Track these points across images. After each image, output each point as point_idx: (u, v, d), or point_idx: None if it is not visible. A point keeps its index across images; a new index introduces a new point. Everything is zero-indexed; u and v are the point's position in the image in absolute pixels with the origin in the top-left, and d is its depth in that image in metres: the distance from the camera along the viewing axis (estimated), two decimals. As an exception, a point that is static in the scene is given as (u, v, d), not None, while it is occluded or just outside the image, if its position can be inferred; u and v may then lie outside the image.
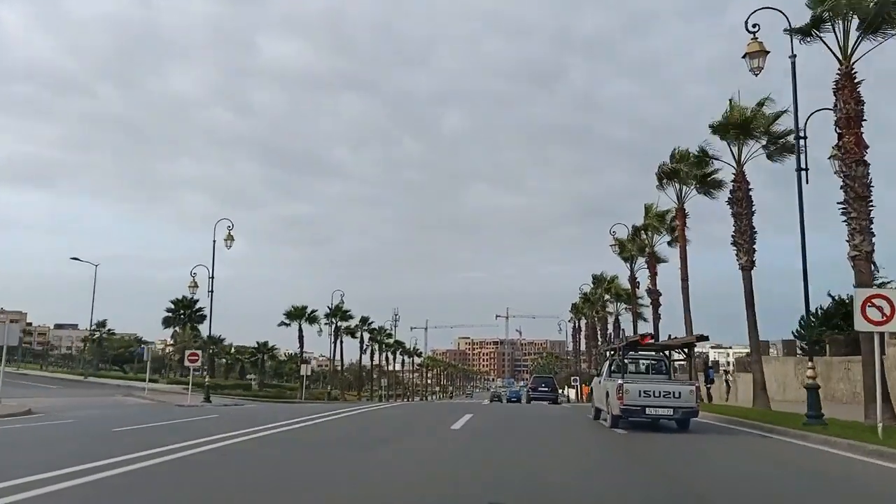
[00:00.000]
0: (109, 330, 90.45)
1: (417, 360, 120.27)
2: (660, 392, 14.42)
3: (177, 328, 63.00)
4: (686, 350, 17.01)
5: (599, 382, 17.91)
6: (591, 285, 54.56)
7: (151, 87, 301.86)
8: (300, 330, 53.54)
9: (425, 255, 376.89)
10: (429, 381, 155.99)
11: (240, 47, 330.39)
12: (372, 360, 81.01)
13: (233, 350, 64.49)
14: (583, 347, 72.60)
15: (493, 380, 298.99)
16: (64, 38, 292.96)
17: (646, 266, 38.19)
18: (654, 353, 17.61)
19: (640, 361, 17.18)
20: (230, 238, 35.63)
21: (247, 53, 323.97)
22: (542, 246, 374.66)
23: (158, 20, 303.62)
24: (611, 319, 51.63)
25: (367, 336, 76.77)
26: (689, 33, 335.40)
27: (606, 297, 53.04)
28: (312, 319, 53.85)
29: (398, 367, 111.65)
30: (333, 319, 60.39)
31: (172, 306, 63.33)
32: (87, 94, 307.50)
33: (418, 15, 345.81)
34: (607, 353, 20.51)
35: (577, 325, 75.80)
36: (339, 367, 69.02)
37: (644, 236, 34.11)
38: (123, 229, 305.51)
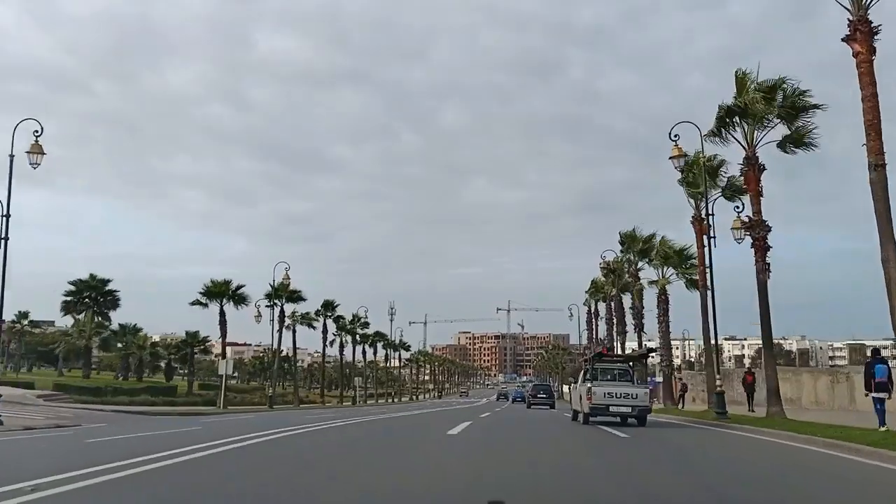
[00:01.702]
0: (32, 321, 76.36)
1: (407, 354, 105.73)
2: (620, 394, 17.64)
3: (79, 315, 48.55)
4: (643, 360, 23.86)
5: (576, 388, 21.37)
6: (620, 251, 39.93)
7: (148, 84, 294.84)
8: (222, 313, 39.11)
9: (425, 250, 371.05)
10: (426, 378, 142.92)
11: (236, 43, 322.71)
12: (342, 353, 66.74)
13: (148, 343, 50.07)
14: (602, 334, 58.19)
15: (495, 375, 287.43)
16: (60, 36, 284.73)
17: (720, 196, 23.75)
18: (620, 362, 20.90)
19: (609, 369, 19.71)
20: (38, 151, 21.14)
21: (243, 49, 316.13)
22: (543, 240, 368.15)
23: (154, 16, 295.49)
24: (651, 292, 37.04)
25: (334, 326, 62.52)
26: (689, 23, 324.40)
27: (643, 262, 38.47)
28: (240, 299, 39.41)
29: (393, 363, 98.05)
30: (277, 301, 45.85)
31: (73, 288, 48.80)
32: (83, 91, 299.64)
33: (415, 7, 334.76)
34: (583, 363, 23.95)
35: (593, 308, 61.36)
36: (289, 363, 54.62)
37: (742, 129, 19.27)
38: (122, 227, 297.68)
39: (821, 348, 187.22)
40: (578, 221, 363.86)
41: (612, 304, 46.61)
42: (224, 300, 38.72)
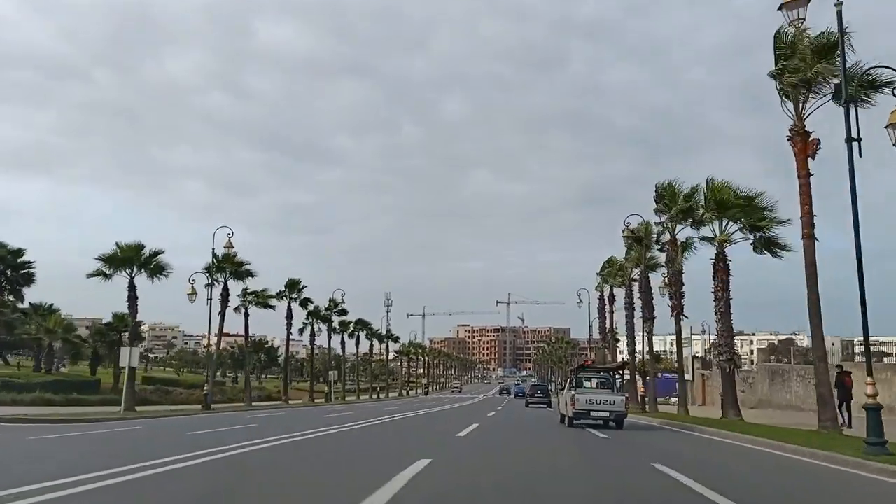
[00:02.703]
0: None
1: (397, 346, 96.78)
2: (600, 400, 19.71)
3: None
4: (621, 371, 25.32)
5: (562, 394, 24.53)
6: (654, 209, 30.55)
7: (148, 73, 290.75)
8: (131, 287, 29.87)
9: (427, 243, 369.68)
10: (423, 371, 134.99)
11: (236, 31, 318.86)
12: (312, 343, 57.61)
13: (60, 326, 40.71)
14: (619, 323, 49.15)
15: (494, 369, 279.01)
16: (59, 23, 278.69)
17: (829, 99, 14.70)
18: (603, 371, 22.83)
19: (593, 378, 21.68)
20: None
21: (244, 38, 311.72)
22: (544, 234, 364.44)
23: (153, 4, 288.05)
24: (698, 262, 27.67)
25: (305, 312, 53.46)
26: (692, 17, 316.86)
27: (682, 226, 29.21)
28: (157, 269, 30.16)
29: (386, 356, 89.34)
30: (221, 276, 36.81)
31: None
32: (83, 80, 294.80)
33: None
34: (569, 373, 26.54)
35: (607, 293, 52.07)
36: (237, 353, 45.52)
37: None
38: (123, 218, 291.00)
39: (832, 344, 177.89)
40: (579, 215, 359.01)
41: (640, 282, 37.35)
42: (134, 270, 29.58)
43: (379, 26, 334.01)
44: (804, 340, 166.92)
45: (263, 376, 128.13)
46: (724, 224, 24.00)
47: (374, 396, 75.86)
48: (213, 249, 35.71)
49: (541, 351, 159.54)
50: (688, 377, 51.96)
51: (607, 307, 52.24)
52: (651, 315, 35.81)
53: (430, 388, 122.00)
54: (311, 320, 54.34)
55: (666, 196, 28.97)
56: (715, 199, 23.24)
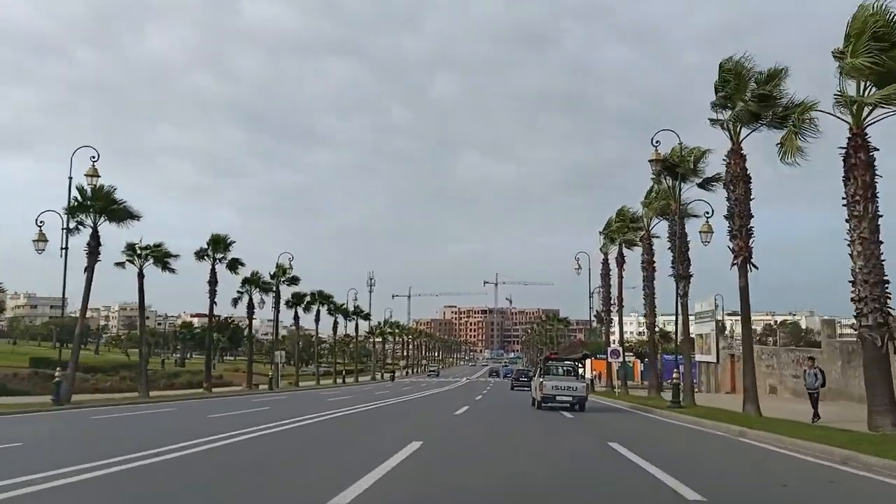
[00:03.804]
0: None
1: (367, 324, 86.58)
2: (564, 387, 22.46)
3: None
4: (582, 361, 26.97)
5: (533, 381, 26.93)
6: (713, 104, 20.16)
7: (131, 51, 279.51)
8: None
9: (416, 225, 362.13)
10: (409, 353, 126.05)
11: (222, 9, 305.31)
12: (250, 317, 47.08)
13: None
14: (626, 297, 39.12)
15: (481, 351, 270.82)
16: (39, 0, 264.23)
17: None
18: (567, 361, 25.45)
19: (559, 367, 24.31)
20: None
21: (229, 15, 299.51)
22: (535, 216, 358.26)
23: None
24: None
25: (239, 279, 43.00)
26: None
27: (753, 127, 18.93)
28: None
29: (367, 337, 79.15)
30: (84, 218, 26.26)
31: None
32: (64, 57, 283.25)
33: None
34: (539, 361, 32.27)
35: (615, 254, 41.63)
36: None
37: None
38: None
39: (839, 323, 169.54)
40: (571, 198, 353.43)
41: (672, 227, 27.05)
42: None
43: (368, 5, 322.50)
44: (803, 321, 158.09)
45: (231, 358, 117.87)
46: (862, 87, 13.72)
47: (339, 381, 65.72)
48: (71, 178, 25.16)
49: (529, 331, 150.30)
50: (710, 358, 42.10)
51: (613, 271, 42.05)
52: (687, 272, 25.67)
53: (408, 372, 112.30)
54: (247, 288, 43.84)
55: (731, 82, 18.63)
56: (877, 26, 12.72)
